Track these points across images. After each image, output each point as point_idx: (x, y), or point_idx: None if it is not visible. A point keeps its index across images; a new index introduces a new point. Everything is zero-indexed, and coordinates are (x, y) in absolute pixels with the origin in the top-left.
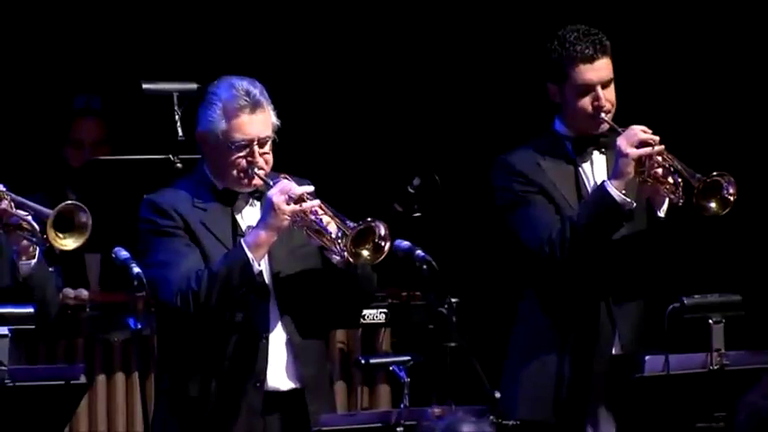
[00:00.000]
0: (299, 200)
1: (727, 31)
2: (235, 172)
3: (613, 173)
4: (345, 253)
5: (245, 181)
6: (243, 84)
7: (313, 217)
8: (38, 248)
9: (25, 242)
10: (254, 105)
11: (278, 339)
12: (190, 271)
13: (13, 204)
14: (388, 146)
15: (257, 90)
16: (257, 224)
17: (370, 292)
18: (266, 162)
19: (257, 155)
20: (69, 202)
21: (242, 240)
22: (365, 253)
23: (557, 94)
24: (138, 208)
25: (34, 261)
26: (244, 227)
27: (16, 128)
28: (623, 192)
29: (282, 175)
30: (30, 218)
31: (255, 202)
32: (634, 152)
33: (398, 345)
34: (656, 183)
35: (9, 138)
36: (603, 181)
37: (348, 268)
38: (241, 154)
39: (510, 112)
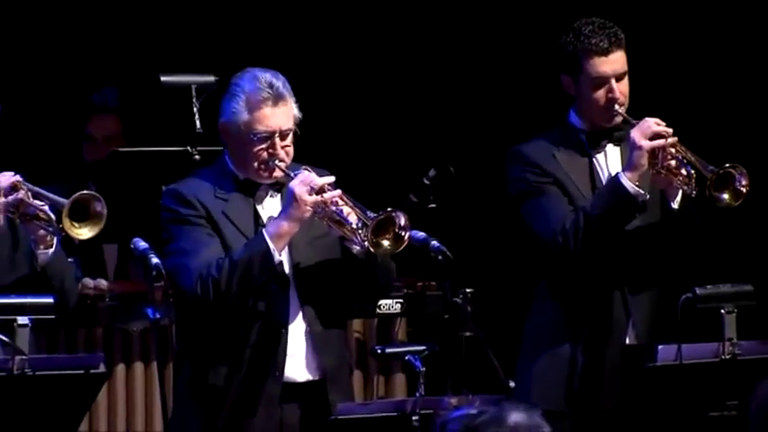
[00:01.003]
0: (321, 191)
1: (739, 25)
2: (256, 163)
3: (627, 165)
4: (366, 243)
5: (266, 173)
6: (266, 76)
7: (334, 208)
8: (55, 238)
9: (42, 231)
10: (277, 98)
11: (298, 329)
12: (211, 259)
13: (29, 194)
14: (405, 138)
15: (280, 83)
16: (279, 215)
17: (390, 283)
18: (287, 154)
19: (278, 147)
20: (84, 191)
21: (263, 230)
22: (385, 243)
23: (571, 86)
24: (156, 199)
25: (51, 250)
26: (264, 217)
27: (37, 122)
28: (637, 183)
29: (304, 167)
30: (46, 208)
31: (276, 193)
32: (647, 144)
33: (414, 334)
34: (669, 174)
35: (31, 131)
36: (617, 173)
37: (368, 258)
38: (263, 146)
39: (524, 104)
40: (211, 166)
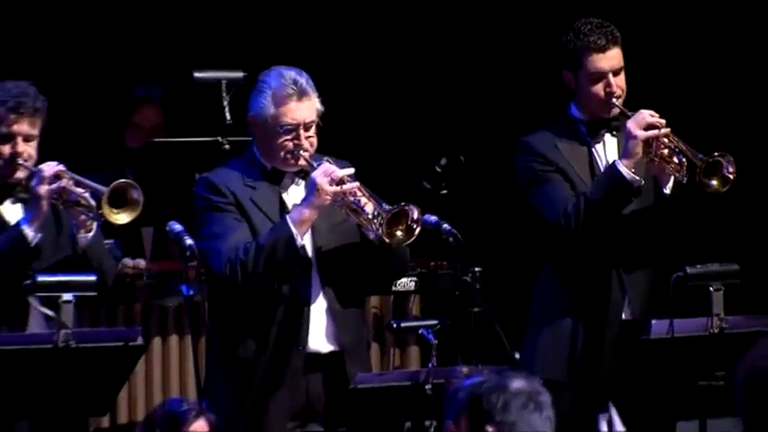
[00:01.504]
0: (341, 182)
1: (727, 26)
2: (282, 153)
3: (623, 153)
4: (380, 232)
5: (292, 161)
6: (291, 73)
7: (352, 198)
8: (95, 223)
9: (83, 217)
10: (301, 93)
11: (319, 307)
12: (239, 243)
13: (72, 182)
14: (419, 130)
15: (303, 79)
16: (301, 202)
17: (404, 266)
18: (311, 144)
19: (303, 138)
20: (122, 180)
21: (287, 216)
22: (398, 234)
23: (572, 81)
24: (190, 186)
25: (91, 234)
26: (289, 204)
27: (81, 114)
28: (632, 170)
29: (326, 158)
30: (87, 195)
31: (300, 181)
32: (642, 134)
33: (427, 310)
34: (662, 162)
35: (75, 121)
36: (615, 160)
37: (382, 245)
38: (288, 137)
39: (529, 98)
40: (240, 156)
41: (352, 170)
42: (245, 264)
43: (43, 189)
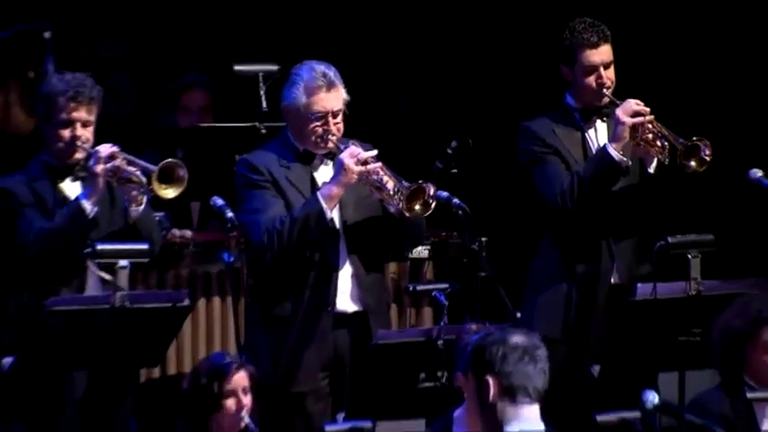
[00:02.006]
0: (365, 162)
1: (712, 24)
2: (313, 138)
3: (612, 137)
4: (400, 206)
5: (321, 144)
6: (320, 67)
7: (375, 177)
8: (145, 198)
9: (134, 192)
10: (330, 85)
11: (346, 272)
12: (275, 216)
13: (125, 162)
14: (433, 116)
15: (332, 72)
16: (330, 180)
17: (420, 237)
18: (338, 130)
19: (331, 124)
20: (170, 159)
21: (318, 193)
22: (417, 207)
23: (568, 74)
24: (231, 165)
25: (141, 208)
26: (320, 182)
27: (143, 99)
28: (621, 152)
29: (352, 141)
30: (138, 172)
31: (329, 161)
32: (629, 120)
33: (439, 275)
34: (646, 145)
35: (137, 107)
36: (605, 144)
37: (402, 218)
38: (318, 123)
39: (529, 89)
40: (275, 139)
41: (375, 152)
42: (280, 234)
43: (99, 168)
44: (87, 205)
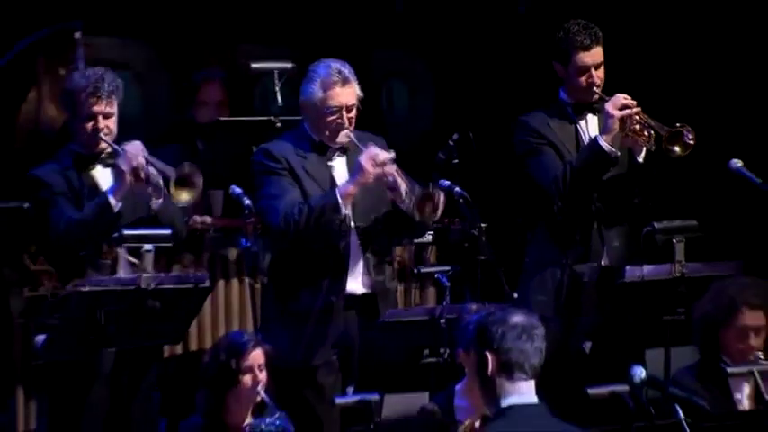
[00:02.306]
0: (382, 164)
1: (693, 23)
2: (328, 131)
3: (603, 129)
4: (411, 208)
5: (335, 137)
6: (336, 64)
7: (390, 179)
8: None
9: (151, 190)
10: (344, 81)
11: (356, 257)
12: (293, 202)
13: (148, 164)
14: (437, 110)
15: (346, 69)
16: (348, 179)
17: (425, 231)
18: (350, 123)
19: (345, 117)
20: (188, 166)
21: (336, 190)
22: (426, 210)
23: (562, 72)
24: (249, 155)
25: (161, 201)
26: (334, 173)
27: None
28: (610, 143)
29: (370, 143)
30: (159, 176)
31: (342, 153)
32: (618, 113)
33: (442, 258)
34: (634, 135)
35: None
36: (596, 136)
37: (411, 215)
38: (333, 117)
39: (526, 85)
40: (293, 131)
41: (393, 154)
42: (297, 222)
43: (126, 166)
44: (113, 201)
